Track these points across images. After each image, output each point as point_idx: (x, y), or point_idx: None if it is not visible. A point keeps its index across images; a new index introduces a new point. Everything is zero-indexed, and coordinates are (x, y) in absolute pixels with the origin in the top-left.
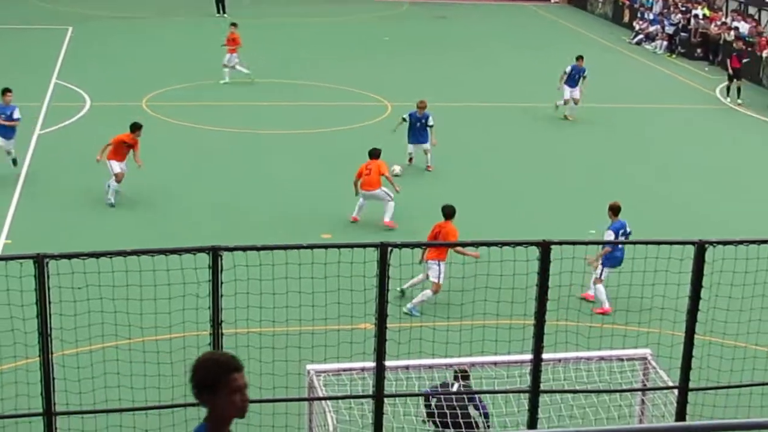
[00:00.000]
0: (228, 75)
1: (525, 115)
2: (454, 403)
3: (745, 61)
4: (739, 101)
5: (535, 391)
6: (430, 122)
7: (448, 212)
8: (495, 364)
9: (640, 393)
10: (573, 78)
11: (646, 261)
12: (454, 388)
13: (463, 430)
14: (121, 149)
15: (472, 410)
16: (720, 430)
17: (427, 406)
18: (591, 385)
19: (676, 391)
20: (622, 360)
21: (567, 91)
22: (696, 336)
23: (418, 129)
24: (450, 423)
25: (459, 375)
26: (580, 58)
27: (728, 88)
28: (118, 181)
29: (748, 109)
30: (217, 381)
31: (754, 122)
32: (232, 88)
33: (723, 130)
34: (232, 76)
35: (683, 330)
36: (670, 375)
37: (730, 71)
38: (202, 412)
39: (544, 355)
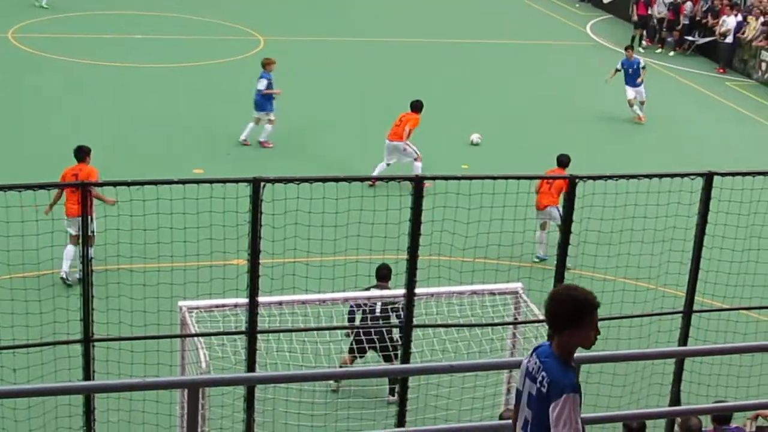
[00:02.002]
0: None
1: (404, 49)
2: (378, 314)
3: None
4: (641, 49)
5: (408, 326)
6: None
7: None
8: (368, 299)
9: (511, 327)
10: (629, 74)
11: (517, 196)
12: (378, 293)
13: (388, 344)
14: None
15: (393, 319)
16: (589, 362)
17: (351, 320)
18: (463, 320)
19: (546, 324)
20: (494, 294)
21: (628, 91)
22: (567, 270)
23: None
24: (375, 337)
25: (379, 276)
26: (628, 48)
27: (633, 38)
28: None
29: (617, 46)
30: (583, 316)
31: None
32: (103, 19)
33: (593, 67)
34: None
35: (553, 264)
36: (541, 309)
37: (636, 18)
38: (72, 349)
39: (417, 290)
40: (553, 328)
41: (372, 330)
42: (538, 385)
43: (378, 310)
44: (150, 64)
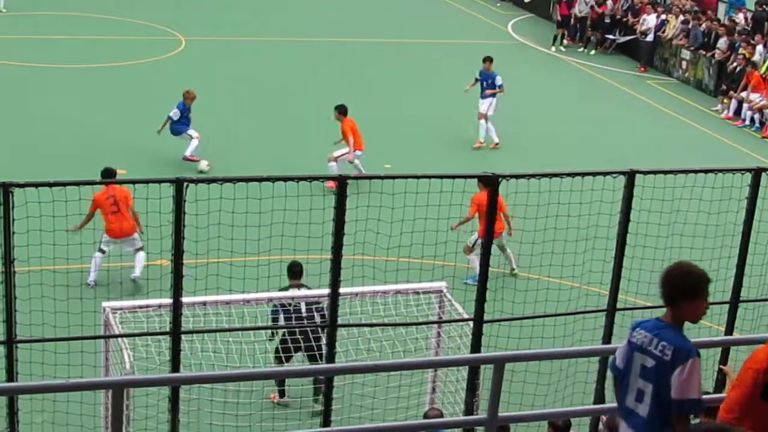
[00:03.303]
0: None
1: (325, 49)
2: (303, 315)
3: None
4: (562, 48)
5: (332, 325)
6: (498, 82)
7: None
8: (292, 299)
9: (436, 326)
10: (483, 87)
11: (441, 195)
12: (298, 292)
13: (313, 344)
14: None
15: (318, 318)
16: (513, 360)
17: (275, 321)
18: (388, 319)
19: (471, 323)
20: (418, 293)
21: (481, 104)
22: (490, 269)
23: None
24: (300, 338)
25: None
26: (487, 59)
27: (555, 37)
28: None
29: (539, 44)
30: (700, 290)
31: (546, 58)
32: (20, 20)
33: (513, 66)
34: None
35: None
36: (465, 307)
37: (559, 18)
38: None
39: (341, 289)
40: (670, 299)
41: (297, 330)
42: (657, 353)
43: (303, 309)
44: (70, 64)
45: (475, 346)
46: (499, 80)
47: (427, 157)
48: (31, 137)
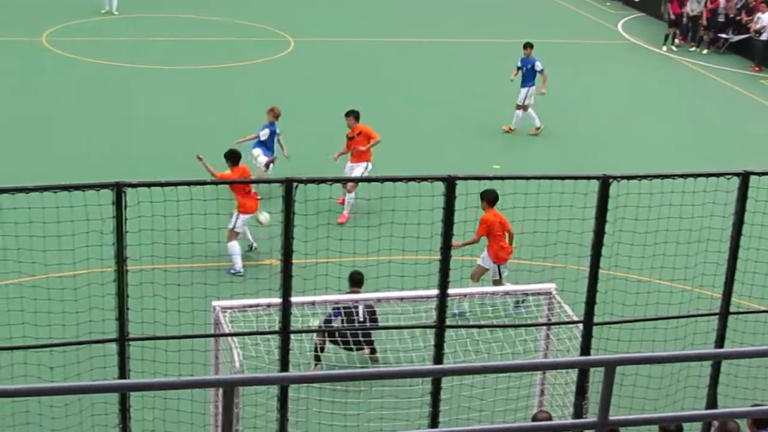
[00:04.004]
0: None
1: (430, 49)
2: (362, 319)
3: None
4: (674, 48)
5: (440, 326)
6: (538, 67)
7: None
8: (401, 299)
9: (544, 327)
10: (524, 74)
11: (551, 196)
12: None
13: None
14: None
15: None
16: (624, 363)
17: (327, 322)
18: (496, 320)
19: (580, 326)
20: (527, 295)
21: (521, 93)
22: (600, 270)
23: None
24: (362, 340)
25: (353, 281)
26: (527, 45)
27: (667, 36)
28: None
29: (650, 44)
30: None
31: (658, 58)
32: (132, 22)
33: (624, 66)
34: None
35: (588, 265)
36: (575, 309)
37: (672, 17)
38: (108, 348)
39: (450, 290)
40: None
41: (360, 333)
42: None
43: (361, 313)
44: (180, 66)
45: (585, 349)
46: (538, 65)
47: (536, 158)
48: (142, 138)
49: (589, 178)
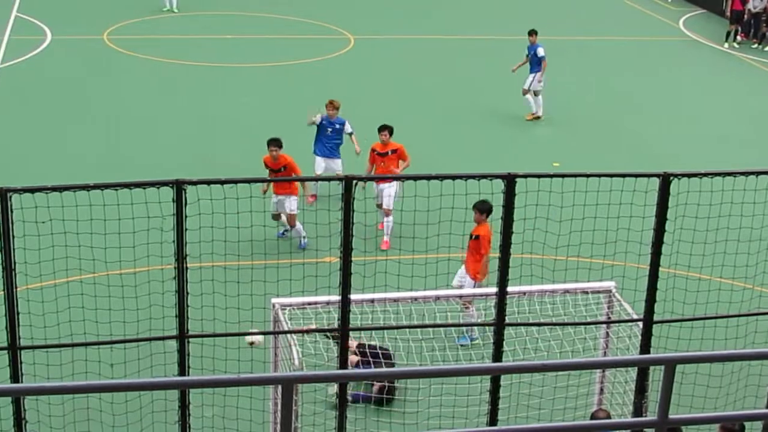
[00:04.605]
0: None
1: (492, 47)
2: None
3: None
4: (736, 45)
5: (500, 324)
6: (348, 129)
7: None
8: (460, 297)
9: (604, 326)
10: (530, 61)
11: (611, 194)
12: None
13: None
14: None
15: None
16: (685, 362)
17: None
18: (556, 318)
19: (640, 324)
20: (586, 293)
21: (527, 79)
22: (660, 269)
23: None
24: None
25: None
26: (531, 32)
27: (728, 33)
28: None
29: (711, 41)
30: None
31: (719, 55)
32: (192, 20)
33: (685, 64)
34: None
35: (648, 263)
36: (635, 308)
37: (734, 14)
38: (168, 345)
39: (509, 288)
40: None
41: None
42: None
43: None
44: (239, 64)
45: (645, 347)
46: (540, 51)
47: (596, 156)
48: (203, 136)
49: (649, 175)
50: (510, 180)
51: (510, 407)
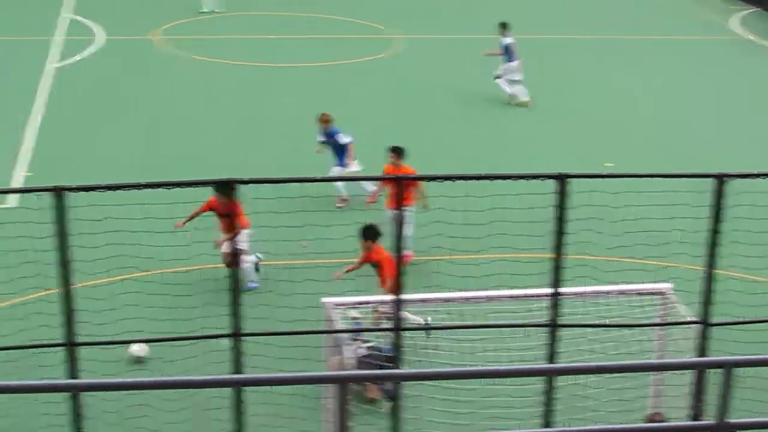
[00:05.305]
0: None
1: (539, 46)
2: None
3: None
4: None
5: (553, 325)
6: (341, 140)
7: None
8: (513, 297)
9: (659, 328)
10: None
11: (665, 194)
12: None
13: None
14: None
15: None
16: (744, 365)
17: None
18: (609, 320)
19: (695, 326)
20: (641, 294)
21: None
22: (716, 270)
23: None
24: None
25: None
26: (502, 25)
27: None
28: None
29: (765, 39)
30: None
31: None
32: (238, 20)
33: (738, 63)
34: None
35: (703, 264)
36: (690, 310)
37: None
38: (221, 343)
39: (563, 289)
40: None
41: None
42: None
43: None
44: (286, 64)
45: (701, 350)
46: (504, 41)
47: (649, 157)
48: (253, 135)
49: (704, 176)
50: (562, 180)
51: (565, 409)
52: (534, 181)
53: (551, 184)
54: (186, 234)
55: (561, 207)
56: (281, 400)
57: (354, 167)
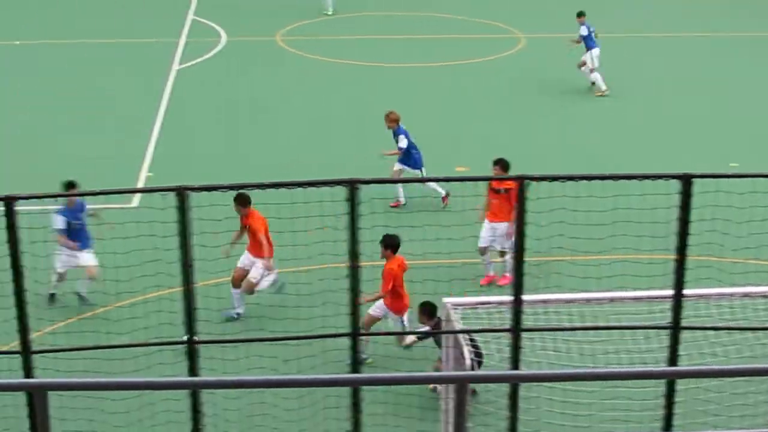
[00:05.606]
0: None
1: (658, 44)
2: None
3: None
4: None
5: (675, 328)
6: (401, 143)
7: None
8: (635, 299)
9: None
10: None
11: None
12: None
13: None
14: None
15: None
16: None
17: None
18: (734, 323)
19: None
20: (766, 297)
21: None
22: None
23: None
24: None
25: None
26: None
27: None
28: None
29: None
30: None
31: None
32: (363, 20)
33: None
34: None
35: None
36: None
37: None
38: (340, 342)
39: (686, 291)
40: None
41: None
42: None
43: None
44: (404, 63)
45: None
46: (582, 30)
47: None
48: (375, 135)
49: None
50: (686, 180)
51: (686, 412)
52: (657, 181)
53: (675, 185)
54: (306, 233)
55: (685, 207)
56: (400, 400)
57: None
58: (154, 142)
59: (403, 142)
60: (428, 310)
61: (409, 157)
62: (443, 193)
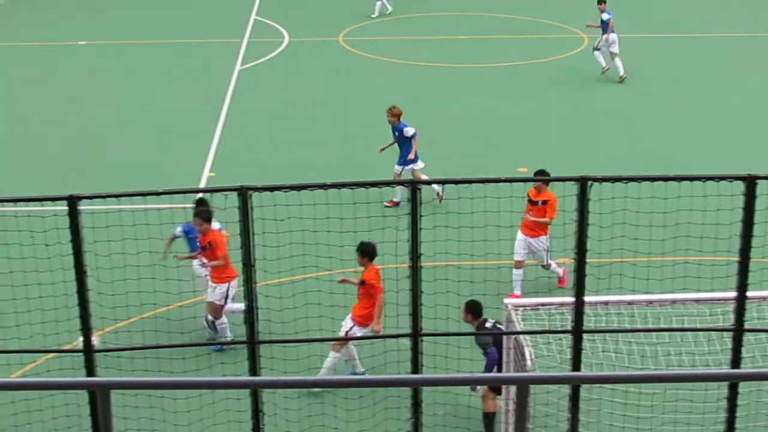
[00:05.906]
0: (378, 9)
1: (731, 44)
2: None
3: None
4: None
5: (738, 330)
6: (408, 132)
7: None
8: (697, 301)
9: None
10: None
11: None
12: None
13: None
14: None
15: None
16: None
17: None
18: None
19: None
20: None
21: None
22: None
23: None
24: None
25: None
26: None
27: None
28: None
29: None
30: None
31: None
32: (424, 21)
33: None
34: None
35: None
36: None
37: None
38: (400, 343)
39: (749, 293)
40: None
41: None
42: None
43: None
44: (471, 64)
45: None
46: (602, 15)
47: None
48: (435, 135)
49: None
50: (750, 182)
51: (749, 415)
52: (721, 182)
53: (739, 186)
54: (368, 234)
55: (749, 209)
56: (460, 401)
57: (419, 165)
58: (216, 142)
59: (410, 131)
60: (474, 309)
61: (400, 155)
62: (439, 190)
